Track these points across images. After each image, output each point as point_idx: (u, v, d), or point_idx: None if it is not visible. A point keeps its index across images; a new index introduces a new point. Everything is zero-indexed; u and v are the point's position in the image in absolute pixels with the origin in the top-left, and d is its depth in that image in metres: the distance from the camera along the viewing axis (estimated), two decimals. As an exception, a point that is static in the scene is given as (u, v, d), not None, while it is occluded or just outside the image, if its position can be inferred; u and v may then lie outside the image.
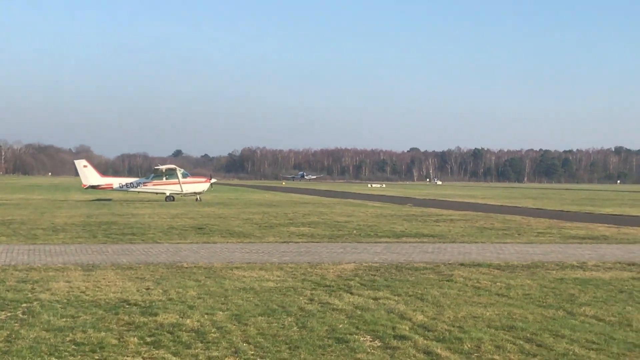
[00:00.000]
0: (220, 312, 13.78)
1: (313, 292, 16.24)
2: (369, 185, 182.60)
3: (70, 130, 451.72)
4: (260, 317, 13.34)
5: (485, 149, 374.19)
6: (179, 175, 68.17)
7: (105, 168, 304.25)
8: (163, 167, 70.39)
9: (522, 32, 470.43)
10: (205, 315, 13.42)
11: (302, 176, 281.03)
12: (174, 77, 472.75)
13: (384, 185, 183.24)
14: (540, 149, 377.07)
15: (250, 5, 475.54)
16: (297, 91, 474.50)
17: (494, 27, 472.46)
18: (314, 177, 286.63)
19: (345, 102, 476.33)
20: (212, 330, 12.23)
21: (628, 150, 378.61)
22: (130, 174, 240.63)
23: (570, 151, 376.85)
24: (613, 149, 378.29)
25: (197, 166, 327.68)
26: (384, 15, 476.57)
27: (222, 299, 15.26)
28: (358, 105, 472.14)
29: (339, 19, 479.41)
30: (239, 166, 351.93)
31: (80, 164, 69.18)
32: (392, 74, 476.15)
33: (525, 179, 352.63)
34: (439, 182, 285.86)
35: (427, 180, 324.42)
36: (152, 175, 70.09)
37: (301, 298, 15.43)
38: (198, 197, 68.57)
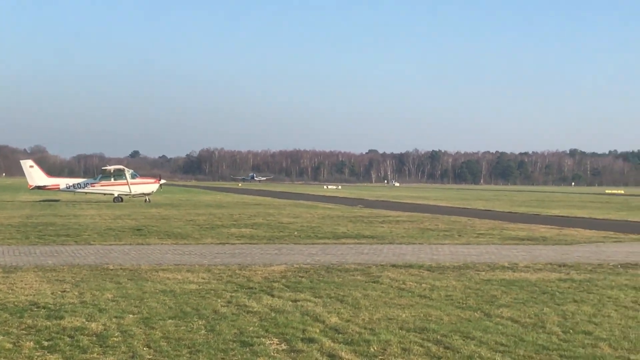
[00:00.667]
0: (131, 316, 13.45)
1: (233, 294, 15.96)
2: (325, 187, 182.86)
3: (26, 130, 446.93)
4: (170, 321, 13.03)
5: (443, 151, 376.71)
6: (127, 176, 67.61)
7: (61, 168, 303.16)
8: (111, 168, 69.90)
9: (477, 33, 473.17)
10: (113, 319, 13.07)
11: (252, 177, 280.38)
12: (132, 77, 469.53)
13: (339, 187, 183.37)
14: (497, 151, 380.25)
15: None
16: (256, 92, 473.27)
17: (449, 30, 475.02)
18: (264, 178, 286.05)
19: (305, 104, 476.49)
20: (115, 335, 11.90)
21: (582, 153, 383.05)
22: (86, 174, 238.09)
23: (526, 153, 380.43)
24: (568, 152, 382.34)
25: (154, 167, 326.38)
26: (340, 16, 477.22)
27: (137, 301, 14.92)
28: (317, 107, 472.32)
29: (299, 19, 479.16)
30: (197, 167, 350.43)
31: (27, 164, 68.24)
32: (351, 76, 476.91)
33: (482, 180, 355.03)
34: (397, 184, 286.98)
35: (385, 182, 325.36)
36: (100, 176, 69.52)
37: (219, 300, 15.14)
38: (147, 198, 67.98)
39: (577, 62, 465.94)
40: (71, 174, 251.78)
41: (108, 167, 70.59)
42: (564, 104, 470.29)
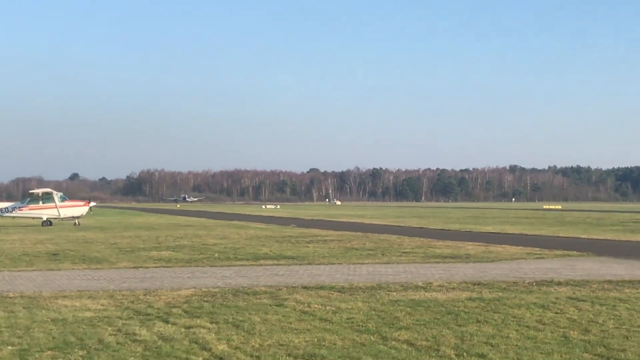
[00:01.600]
0: (9, 347, 12.82)
1: (126, 322, 15.38)
2: (263, 207, 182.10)
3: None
4: (48, 352, 12.43)
5: (384, 168, 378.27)
6: (56, 199, 66.47)
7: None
8: (39, 191, 68.69)
9: (414, 52, 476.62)
10: (-12, 351, 12.41)
11: (184, 199, 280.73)
12: (70, 96, 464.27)
13: (278, 207, 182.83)
14: (438, 168, 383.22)
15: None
16: (193, 112, 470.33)
17: (389, 49, 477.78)
18: (195, 199, 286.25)
19: (245, 122, 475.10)
20: (-17, 369, 11.26)
21: (522, 169, 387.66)
22: (24, 198, 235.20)
23: (467, 170, 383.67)
24: (508, 168, 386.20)
25: (94, 189, 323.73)
26: (267, 31, 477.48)
27: (22, 331, 14.28)
28: (258, 125, 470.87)
29: (218, 30, 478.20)
30: (137, 189, 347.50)
31: (-51, 188, 66.81)
32: (290, 95, 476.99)
33: (423, 197, 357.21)
34: (338, 202, 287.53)
35: (327, 200, 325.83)
36: (28, 199, 68.31)
37: (109, 329, 14.54)
38: (76, 221, 66.79)
39: (517, 78, 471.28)
40: (9, 197, 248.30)
41: (36, 191, 69.43)
42: (504, 120, 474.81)
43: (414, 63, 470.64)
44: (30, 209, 66.74)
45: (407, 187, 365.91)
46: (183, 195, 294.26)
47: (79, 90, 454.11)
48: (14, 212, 66.96)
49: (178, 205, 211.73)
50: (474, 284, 21.61)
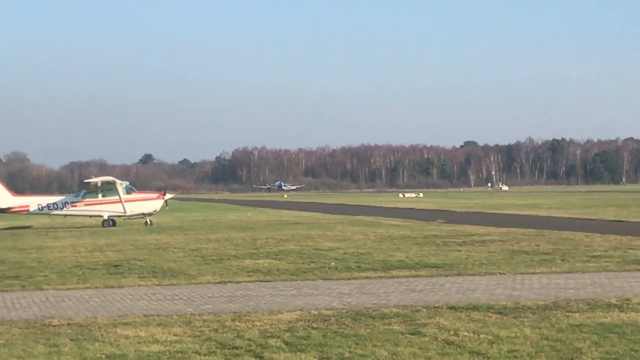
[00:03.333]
0: (48, 395, 13.10)
1: (206, 357, 15.69)
2: (401, 195, 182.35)
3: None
4: (99, 401, 12.64)
5: (568, 139, 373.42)
6: (120, 190, 67.61)
7: (47, 181, 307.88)
8: (97, 180, 69.58)
9: None
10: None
11: (280, 187, 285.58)
12: (138, 59, 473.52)
13: (420, 195, 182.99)
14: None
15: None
16: (303, 72, 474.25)
17: None
18: (293, 187, 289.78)
19: (374, 84, 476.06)
20: None
21: None
22: (81, 188, 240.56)
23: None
24: None
25: (172, 176, 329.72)
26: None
27: (66, 373, 14.59)
28: (390, 87, 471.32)
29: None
30: (230, 174, 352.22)
31: (-16, 178, 68.88)
32: (434, 47, 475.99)
33: (624, 179, 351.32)
34: (504, 188, 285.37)
35: (489, 185, 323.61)
36: (83, 191, 69.80)
37: (181, 369, 14.75)
38: (148, 219, 67.81)
39: None
40: (62, 189, 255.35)
41: (93, 180, 70.42)
42: None
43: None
44: (86, 205, 68.10)
45: (600, 164, 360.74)
46: (278, 182, 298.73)
47: (155, 52, 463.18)
48: (65, 208, 68.51)
49: (285, 196, 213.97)
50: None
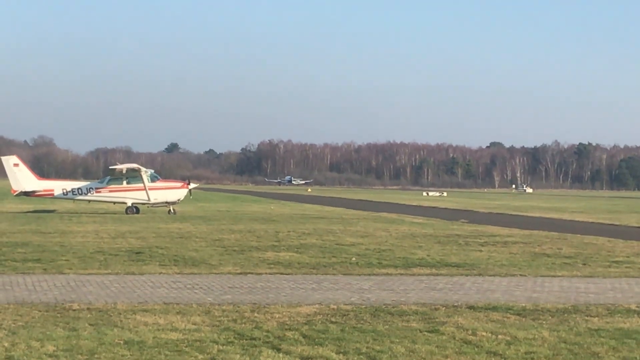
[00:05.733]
0: (66, 378, 13.18)
1: (224, 347, 15.69)
2: (425, 194, 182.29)
3: (26, 117, 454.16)
4: (116, 386, 12.71)
5: (594, 144, 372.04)
6: (145, 178, 67.86)
7: (73, 167, 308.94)
8: (123, 167, 70.07)
9: None
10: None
11: (289, 181, 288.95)
12: (166, 47, 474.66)
13: (444, 194, 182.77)
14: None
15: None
16: (331, 68, 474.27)
17: None
18: (302, 182, 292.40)
19: (401, 81, 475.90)
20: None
21: None
22: (106, 175, 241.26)
23: None
24: None
25: (198, 166, 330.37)
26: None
27: (84, 357, 14.68)
28: (417, 85, 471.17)
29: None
30: (256, 166, 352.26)
31: (9, 161, 68.83)
32: (464, 48, 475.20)
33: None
34: (529, 190, 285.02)
35: (513, 187, 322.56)
36: (108, 178, 70.05)
37: (200, 357, 14.83)
38: (171, 208, 68.11)
39: None
40: (87, 175, 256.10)
41: (119, 166, 70.80)
42: None
43: None
44: (110, 191, 68.46)
45: (626, 170, 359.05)
46: (288, 176, 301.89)
47: (182, 41, 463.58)
48: (89, 194, 68.83)
49: (309, 190, 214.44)
50: None
